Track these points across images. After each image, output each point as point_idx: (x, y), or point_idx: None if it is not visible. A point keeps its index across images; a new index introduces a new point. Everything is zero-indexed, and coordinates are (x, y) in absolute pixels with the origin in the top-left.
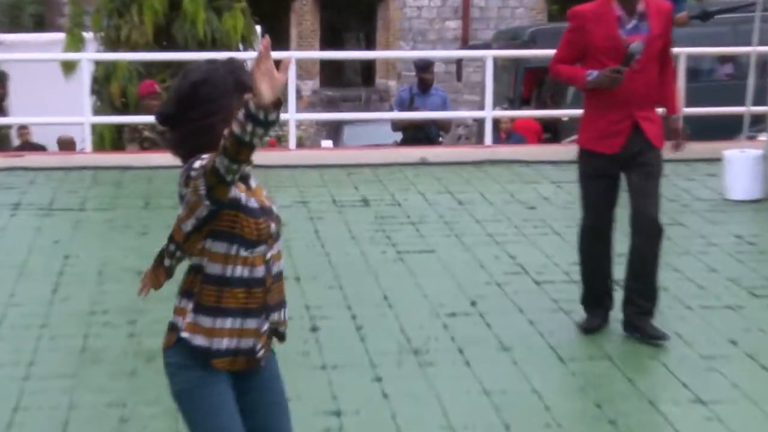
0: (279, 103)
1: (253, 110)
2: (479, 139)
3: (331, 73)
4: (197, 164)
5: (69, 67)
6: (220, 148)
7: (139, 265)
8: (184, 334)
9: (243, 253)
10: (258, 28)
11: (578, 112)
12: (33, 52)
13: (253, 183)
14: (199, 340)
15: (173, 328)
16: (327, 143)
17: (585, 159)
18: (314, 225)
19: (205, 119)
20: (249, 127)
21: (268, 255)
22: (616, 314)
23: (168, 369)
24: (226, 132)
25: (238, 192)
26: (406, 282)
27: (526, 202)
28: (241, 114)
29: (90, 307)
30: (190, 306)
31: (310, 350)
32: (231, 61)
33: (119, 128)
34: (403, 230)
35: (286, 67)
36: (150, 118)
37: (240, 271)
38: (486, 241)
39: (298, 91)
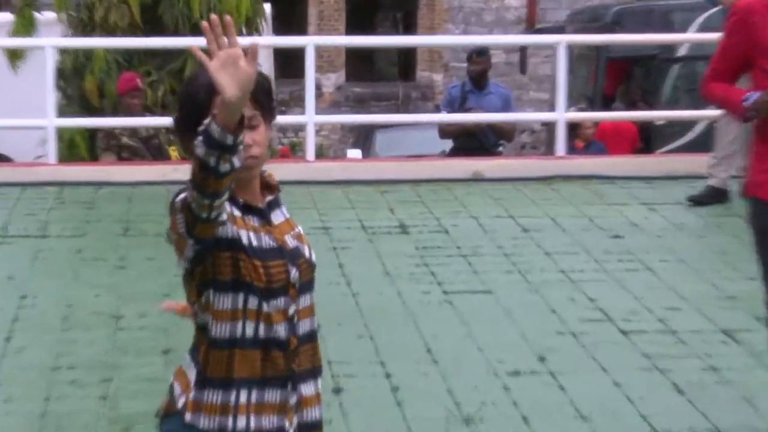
0: (242, 121)
1: (214, 130)
2: (549, 149)
3: (360, 64)
4: (183, 192)
5: (16, 56)
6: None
7: (115, 308)
8: (186, 417)
9: (254, 306)
10: (267, 8)
11: (676, 113)
12: None
13: (279, 216)
14: (206, 422)
15: (172, 394)
16: (354, 153)
17: (760, 211)
18: (338, 258)
19: (175, 126)
20: (209, 151)
21: (292, 310)
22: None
23: None
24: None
25: (235, 229)
26: (456, 331)
27: (609, 229)
28: (199, 137)
29: (53, 361)
30: (193, 376)
31: (332, 418)
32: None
33: (93, 134)
34: (452, 265)
35: (254, 55)
36: (130, 121)
37: (253, 329)
38: (558, 280)
39: (318, 87)
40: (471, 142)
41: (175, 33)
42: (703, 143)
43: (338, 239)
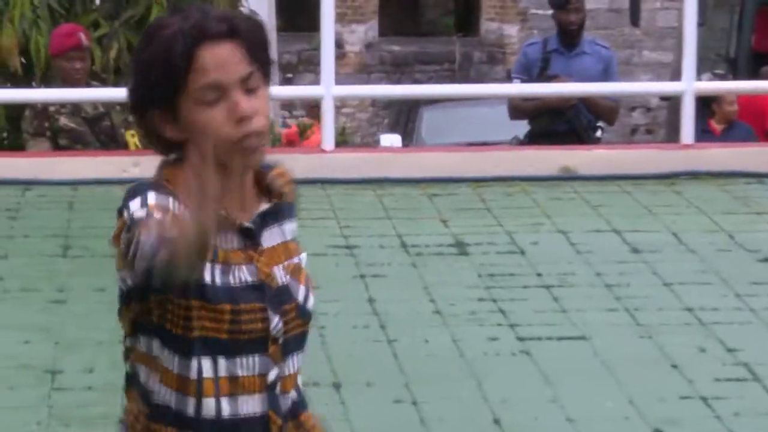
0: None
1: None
2: (671, 134)
3: (400, 11)
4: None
5: None
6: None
7: (52, 360)
8: None
9: (214, 370)
10: None
11: None
12: None
13: (273, 237)
14: None
15: None
16: (391, 139)
17: None
18: (368, 289)
19: (133, 102)
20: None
21: (272, 375)
22: None
23: None
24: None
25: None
26: (537, 392)
27: (757, 249)
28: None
29: None
30: None
31: None
32: (187, 26)
33: (18, 112)
34: (531, 298)
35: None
36: (70, 93)
37: (213, 405)
38: (682, 320)
39: (340, 45)
40: (557, 124)
41: None
42: None
43: (368, 263)
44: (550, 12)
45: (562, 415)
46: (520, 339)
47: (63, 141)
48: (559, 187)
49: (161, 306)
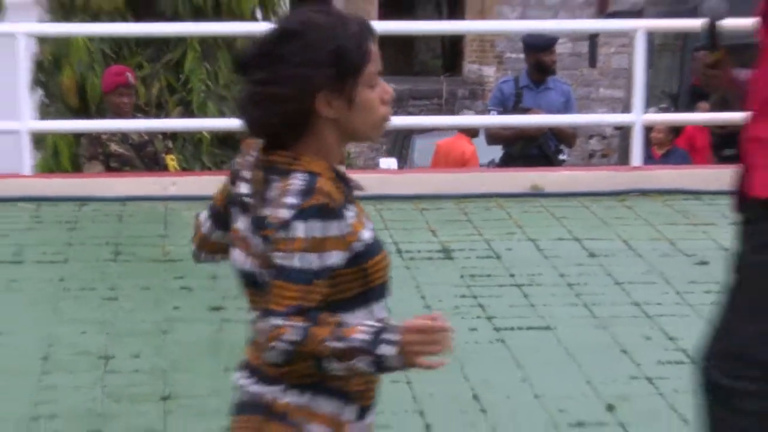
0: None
1: (386, 356)
2: (623, 158)
3: (396, 54)
4: (304, 261)
5: None
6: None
7: (104, 347)
8: None
9: (379, 312)
10: None
11: None
12: None
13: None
14: None
15: None
16: (388, 162)
17: None
18: None
19: (267, 86)
20: (349, 365)
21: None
22: None
23: None
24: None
25: (360, 234)
26: (509, 375)
27: (694, 254)
28: (355, 343)
29: (31, 410)
30: (351, 411)
31: None
32: (348, 23)
33: (72, 141)
34: (505, 296)
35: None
36: (119, 124)
37: None
38: (631, 314)
39: None
40: (528, 149)
41: (173, 18)
42: None
43: None
44: (522, 55)
45: (531, 393)
46: (496, 329)
47: (113, 164)
48: (529, 202)
49: (337, 282)
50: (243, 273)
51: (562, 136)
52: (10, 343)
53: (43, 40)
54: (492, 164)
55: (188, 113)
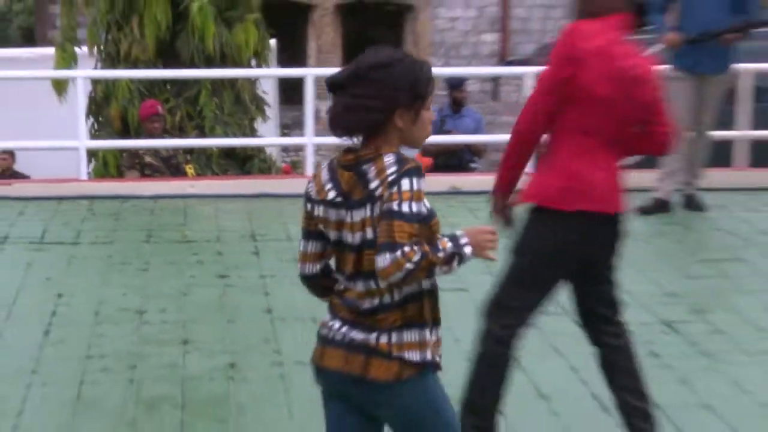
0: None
1: (466, 254)
2: None
3: None
4: (412, 207)
5: (61, 86)
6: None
7: (140, 305)
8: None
9: None
10: (272, 43)
11: None
12: (20, 69)
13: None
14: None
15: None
16: None
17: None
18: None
19: (364, 99)
20: (450, 267)
21: None
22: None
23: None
24: (423, 252)
25: None
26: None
27: None
28: (448, 251)
29: (86, 352)
30: (433, 334)
31: None
32: (422, 63)
33: (116, 155)
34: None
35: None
36: (152, 142)
37: None
38: None
39: (317, 112)
40: (449, 159)
41: (191, 64)
42: (649, 161)
43: None
44: (445, 92)
45: (451, 335)
46: None
47: (147, 171)
48: (450, 198)
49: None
50: (351, 246)
51: (475, 150)
52: (71, 303)
53: (96, 81)
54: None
55: (202, 134)
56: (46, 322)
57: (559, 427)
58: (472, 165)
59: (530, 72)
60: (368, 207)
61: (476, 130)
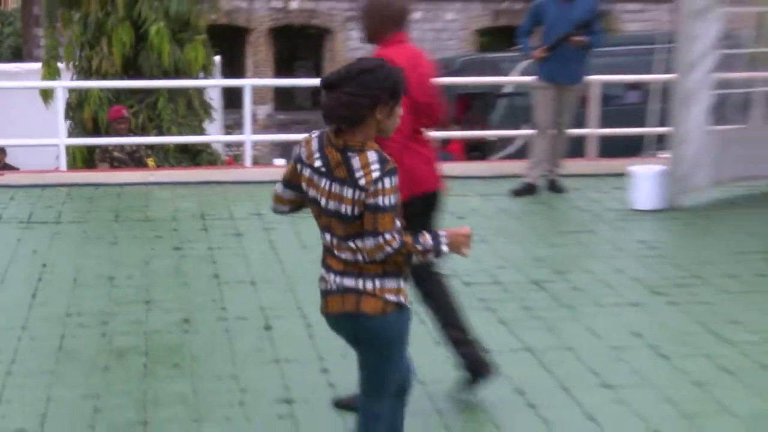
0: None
1: (443, 250)
2: None
3: (284, 98)
4: (391, 200)
5: (47, 95)
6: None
7: (110, 272)
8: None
9: None
10: (217, 59)
11: (503, 132)
12: (12, 81)
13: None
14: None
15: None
16: (280, 161)
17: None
18: (268, 235)
19: (355, 97)
20: (426, 257)
21: None
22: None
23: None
24: (402, 242)
25: None
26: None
27: (455, 212)
28: (427, 245)
29: (66, 310)
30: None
31: (264, 347)
32: (397, 70)
33: (91, 149)
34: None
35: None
36: (119, 140)
37: None
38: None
39: (254, 115)
40: None
41: (150, 77)
42: (521, 153)
43: (268, 222)
44: None
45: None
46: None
47: (115, 164)
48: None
49: None
50: (334, 212)
51: None
52: (54, 271)
53: (72, 90)
54: None
55: (160, 133)
56: (33, 287)
57: (448, 361)
58: None
59: None
60: (350, 188)
61: None
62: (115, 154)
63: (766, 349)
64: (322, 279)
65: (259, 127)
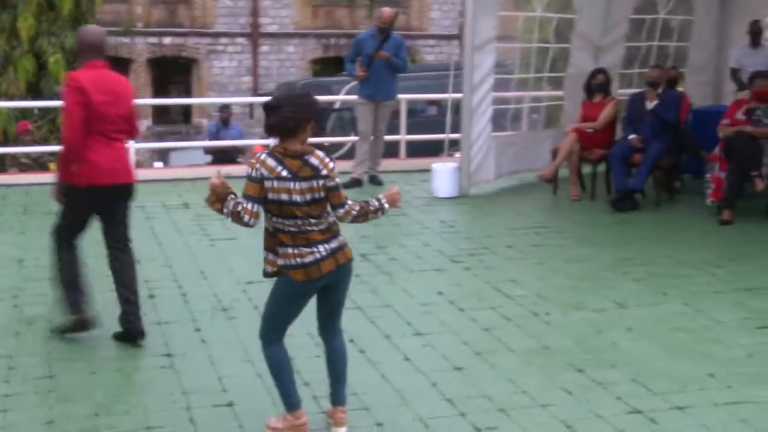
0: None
1: (386, 207)
2: None
3: (161, 114)
4: (336, 181)
5: None
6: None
7: (20, 255)
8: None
9: None
10: None
11: (335, 138)
12: None
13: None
14: None
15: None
16: (158, 164)
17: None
18: (150, 223)
19: (294, 115)
20: (377, 214)
21: None
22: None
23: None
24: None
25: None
26: (217, 261)
27: None
28: (375, 205)
29: None
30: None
31: (149, 312)
32: (314, 99)
33: (2, 157)
34: (214, 225)
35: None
36: (25, 149)
37: None
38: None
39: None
40: (223, 156)
41: (50, 98)
42: (349, 153)
43: (150, 212)
44: (218, 113)
45: (226, 268)
46: (211, 240)
47: (23, 168)
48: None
49: None
50: (311, 200)
51: (240, 150)
52: None
53: None
54: (207, 163)
55: (60, 143)
56: None
57: (300, 322)
58: (239, 159)
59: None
60: (314, 180)
61: (239, 137)
62: (23, 160)
63: (536, 301)
64: (308, 254)
65: (141, 137)
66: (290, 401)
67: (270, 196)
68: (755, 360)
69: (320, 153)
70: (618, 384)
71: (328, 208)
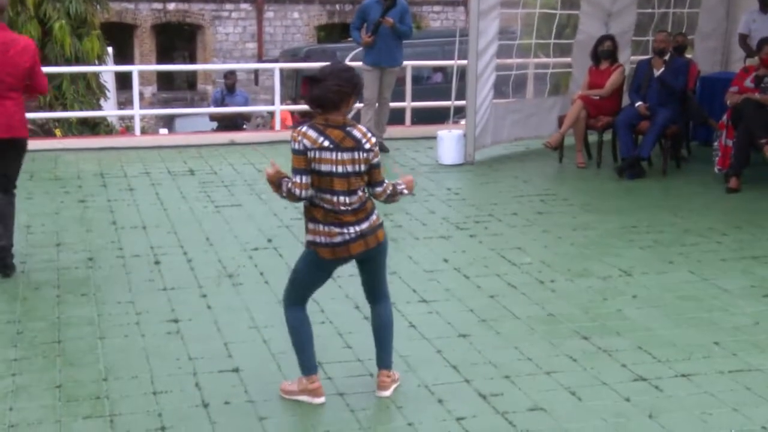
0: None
1: (405, 192)
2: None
3: (166, 80)
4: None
5: None
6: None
7: (27, 221)
8: None
9: None
10: (110, 49)
11: None
12: None
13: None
14: None
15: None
16: (163, 131)
17: None
18: (155, 189)
19: (337, 87)
20: (396, 198)
21: None
22: None
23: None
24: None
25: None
26: (222, 227)
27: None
28: (399, 188)
29: None
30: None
31: (155, 278)
32: (358, 74)
33: None
34: (219, 191)
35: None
36: (31, 115)
37: None
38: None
39: (141, 94)
40: (228, 123)
41: (55, 64)
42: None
43: (155, 179)
44: (223, 79)
45: (232, 234)
46: (216, 207)
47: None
48: (229, 148)
49: None
50: (351, 172)
51: (245, 117)
52: None
53: None
54: (212, 130)
55: (65, 109)
56: None
57: None
58: (244, 126)
59: (276, 66)
60: (356, 152)
61: (245, 104)
62: (29, 126)
63: (541, 268)
64: (338, 234)
65: (146, 104)
66: (306, 365)
67: (312, 166)
68: (761, 328)
69: (363, 127)
70: (623, 351)
71: (362, 186)
